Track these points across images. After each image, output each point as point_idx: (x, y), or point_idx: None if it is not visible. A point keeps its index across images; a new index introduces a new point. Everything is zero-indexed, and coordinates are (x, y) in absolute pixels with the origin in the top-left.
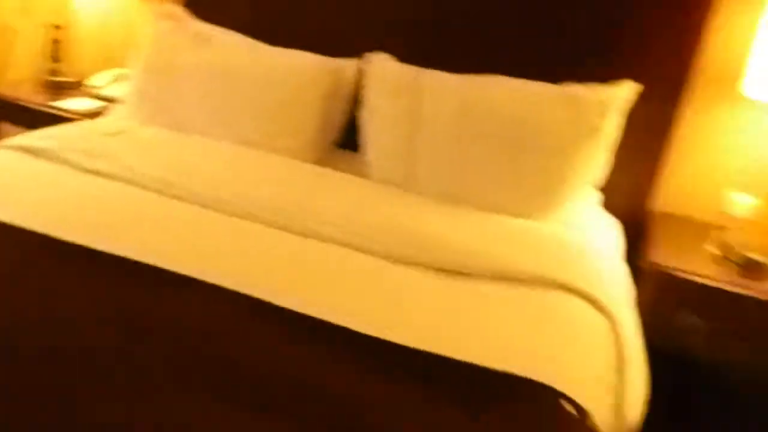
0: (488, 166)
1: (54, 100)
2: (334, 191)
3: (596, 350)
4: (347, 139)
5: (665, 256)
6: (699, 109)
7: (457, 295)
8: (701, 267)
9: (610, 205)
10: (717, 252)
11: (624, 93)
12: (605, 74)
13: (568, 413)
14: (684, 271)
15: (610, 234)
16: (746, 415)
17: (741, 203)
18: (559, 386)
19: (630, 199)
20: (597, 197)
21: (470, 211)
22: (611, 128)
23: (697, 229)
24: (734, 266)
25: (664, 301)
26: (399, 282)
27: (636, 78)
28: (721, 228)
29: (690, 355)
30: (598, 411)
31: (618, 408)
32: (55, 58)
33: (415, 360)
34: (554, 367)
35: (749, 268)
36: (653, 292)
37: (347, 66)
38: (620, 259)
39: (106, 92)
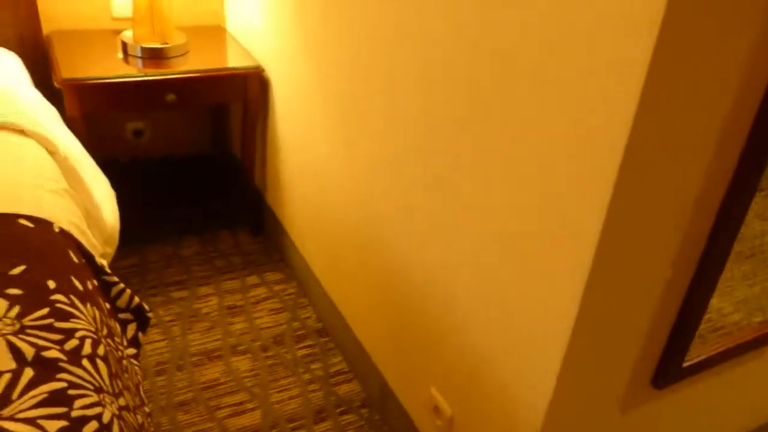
0: None
1: None
2: None
3: (35, 170)
4: None
5: (75, 70)
6: None
7: None
8: (110, 70)
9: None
10: (121, 54)
11: None
12: None
13: (28, 227)
14: (97, 78)
15: (9, 65)
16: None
17: (122, 1)
18: (10, 210)
19: (15, 26)
20: None
21: None
22: None
23: (97, 39)
24: (137, 60)
25: (90, 110)
26: None
27: None
28: (118, 31)
29: (144, 154)
30: (60, 218)
31: (88, 212)
32: None
33: None
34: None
35: (149, 56)
36: (78, 105)
37: None
38: (29, 86)
39: None
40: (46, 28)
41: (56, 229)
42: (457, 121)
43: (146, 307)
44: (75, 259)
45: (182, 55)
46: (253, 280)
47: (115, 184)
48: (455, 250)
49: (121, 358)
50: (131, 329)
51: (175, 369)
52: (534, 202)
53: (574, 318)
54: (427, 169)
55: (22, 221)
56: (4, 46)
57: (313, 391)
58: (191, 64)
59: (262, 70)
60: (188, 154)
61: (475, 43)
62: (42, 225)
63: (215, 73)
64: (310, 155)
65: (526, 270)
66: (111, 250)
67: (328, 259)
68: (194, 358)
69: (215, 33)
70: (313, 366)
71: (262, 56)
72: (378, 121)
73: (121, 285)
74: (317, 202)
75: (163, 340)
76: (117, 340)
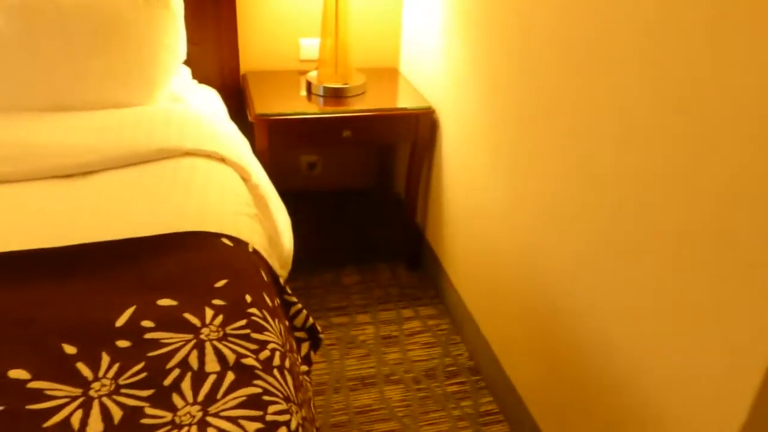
0: (75, 65)
1: None
2: None
3: (234, 195)
4: None
5: (266, 107)
6: None
7: (97, 191)
8: (296, 107)
9: (203, 77)
10: (304, 92)
11: None
12: None
13: (229, 246)
14: (283, 114)
15: (212, 101)
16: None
17: (310, 45)
18: (215, 229)
19: (219, 66)
20: (188, 72)
21: (77, 113)
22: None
23: (285, 79)
24: (319, 98)
25: (276, 142)
26: (38, 197)
27: None
28: (304, 72)
29: (314, 186)
30: (252, 239)
31: (270, 236)
32: None
33: (99, 251)
34: (206, 217)
35: (330, 95)
36: (266, 138)
37: None
38: (227, 119)
39: None
40: (243, 68)
41: (250, 249)
42: (650, 183)
43: (319, 328)
44: (265, 278)
45: (360, 95)
46: (408, 313)
47: (288, 212)
48: (625, 303)
49: (299, 373)
50: (305, 348)
51: (333, 391)
52: (716, 259)
53: (758, 386)
54: (605, 226)
55: (224, 240)
56: (207, 83)
57: (463, 428)
58: (367, 103)
59: (433, 112)
60: (355, 188)
61: (687, 96)
62: (240, 245)
63: (389, 113)
64: (474, 197)
65: (705, 329)
66: (285, 273)
67: (485, 299)
68: (350, 383)
69: (390, 75)
70: (463, 403)
71: (433, 98)
72: (553, 171)
73: (299, 305)
74: (479, 244)
75: (323, 362)
76: (295, 356)
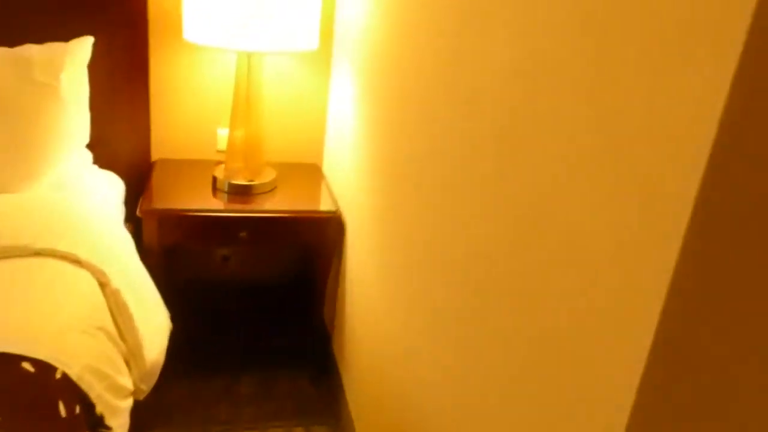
0: None
1: None
2: None
3: (76, 306)
4: None
5: (159, 201)
6: (160, 58)
7: None
8: (192, 203)
9: (107, 162)
10: (210, 187)
11: (79, 48)
12: (64, 34)
13: (28, 372)
14: (175, 210)
15: (107, 189)
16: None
17: (223, 136)
18: (19, 350)
19: (129, 152)
20: (89, 156)
21: None
22: (71, 85)
23: (198, 169)
24: (224, 194)
25: (167, 240)
26: None
27: (95, 33)
28: (220, 163)
29: (230, 277)
30: (75, 361)
31: (130, 348)
32: None
33: None
34: (17, 335)
35: (235, 191)
36: (155, 234)
37: None
38: (117, 211)
39: None
40: (156, 155)
41: (58, 375)
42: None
43: None
44: (62, 413)
45: (268, 192)
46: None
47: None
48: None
49: None
50: None
51: None
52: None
53: None
54: (488, 342)
55: (25, 364)
56: (115, 169)
57: None
58: (272, 203)
59: (339, 216)
60: (273, 282)
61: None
62: (43, 370)
63: (289, 215)
64: (368, 310)
65: None
66: (146, 388)
67: (373, 423)
68: None
69: (310, 172)
70: None
71: (344, 200)
72: (439, 289)
73: None
74: (370, 361)
75: None
76: None
